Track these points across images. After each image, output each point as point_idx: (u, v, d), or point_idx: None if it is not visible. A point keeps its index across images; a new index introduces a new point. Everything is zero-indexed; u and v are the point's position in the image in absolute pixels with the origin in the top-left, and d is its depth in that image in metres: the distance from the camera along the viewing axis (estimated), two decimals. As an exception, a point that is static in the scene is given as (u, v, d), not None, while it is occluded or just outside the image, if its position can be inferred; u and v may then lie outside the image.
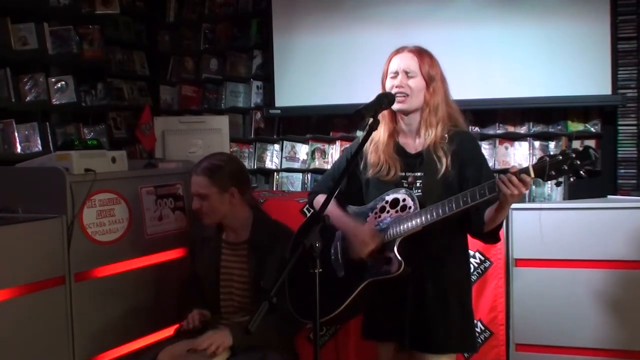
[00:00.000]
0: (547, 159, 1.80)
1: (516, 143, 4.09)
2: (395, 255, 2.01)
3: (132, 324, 2.70)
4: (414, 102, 2.08)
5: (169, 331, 2.69)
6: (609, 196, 3.29)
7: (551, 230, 2.88)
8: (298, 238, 2.20)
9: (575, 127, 3.96)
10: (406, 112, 2.11)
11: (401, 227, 2.02)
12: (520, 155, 4.06)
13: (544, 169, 1.80)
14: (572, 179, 1.81)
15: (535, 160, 3.92)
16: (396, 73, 2.09)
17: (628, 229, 2.81)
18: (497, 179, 1.86)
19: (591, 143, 3.92)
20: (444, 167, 2.04)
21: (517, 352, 2.95)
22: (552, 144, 4.01)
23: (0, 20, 3.71)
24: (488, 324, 2.94)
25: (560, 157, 1.78)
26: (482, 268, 2.94)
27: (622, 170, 3.79)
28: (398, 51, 2.14)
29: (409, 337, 2.11)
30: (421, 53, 2.11)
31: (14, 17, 3.76)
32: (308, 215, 3.12)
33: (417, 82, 2.07)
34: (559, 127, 4.01)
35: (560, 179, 1.79)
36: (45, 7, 3.94)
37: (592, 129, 3.93)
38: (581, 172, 1.77)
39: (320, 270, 1.68)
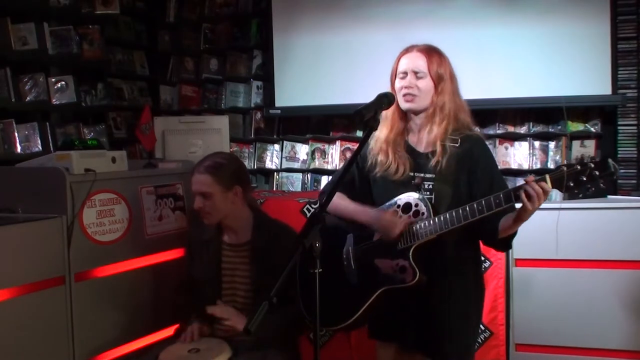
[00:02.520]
0: (565, 168, 1.74)
1: (516, 143, 4.09)
2: (411, 263, 1.99)
3: (132, 324, 2.69)
4: (422, 102, 2.07)
5: (169, 331, 2.69)
6: (609, 196, 3.29)
7: (551, 230, 2.88)
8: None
9: (575, 127, 3.97)
10: (416, 112, 2.10)
11: (415, 235, 2.00)
12: (520, 155, 4.06)
13: (561, 180, 1.74)
14: (589, 191, 1.73)
15: (537, 161, 3.88)
16: (405, 73, 2.07)
17: (628, 229, 2.82)
18: (519, 191, 1.81)
19: (591, 143, 3.93)
20: (438, 163, 2.01)
21: (517, 352, 2.95)
22: (552, 144, 4.01)
23: (0, 20, 3.71)
24: (488, 324, 2.94)
25: (579, 167, 1.72)
26: (482, 268, 2.94)
27: (622, 170, 3.79)
28: (407, 50, 2.11)
29: (413, 339, 2.11)
30: (430, 52, 2.09)
31: (14, 17, 3.75)
32: (308, 215, 3.12)
33: (425, 83, 2.06)
34: (559, 127, 4.02)
35: (579, 192, 1.73)
36: (45, 7, 3.94)
37: (592, 129, 3.93)
38: (601, 183, 1.70)
39: (321, 270, 1.68)
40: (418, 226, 2.00)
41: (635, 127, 3.78)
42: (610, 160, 1.71)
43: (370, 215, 2.10)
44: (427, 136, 2.08)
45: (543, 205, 2.93)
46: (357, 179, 2.23)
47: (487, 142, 4.26)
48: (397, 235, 2.03)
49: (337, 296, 2.11)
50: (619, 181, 3.78)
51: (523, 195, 1.79)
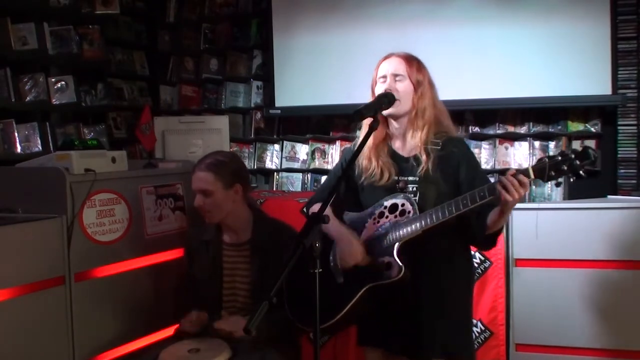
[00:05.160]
0: (547, 159, 1.81)
1: (516, 143, 4.09)
2: (395, 260, 2.00)
3: (132, 324, 2.70)
4: (403, 105, 2.09)
5: (169, 331, 2.68)
6: (609, 196, 3.29)
7: (551, 230, 2.88)
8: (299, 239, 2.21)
9: (575, 127, 3.97)
10: (396, 116, 2.12)
11: (401, 232, 2.01)
12: (520, 155, 4.06)
13: (543, 170, 1.80)
14: (572, 179, 1.81)
15: (535, 161, 3.94)
16: (385, 77, 2.11)
17: (628, 229, 2.81)
18: (497, 183, 1.85)
19: (591, 143, 3.92)
20: (423, 168, 2.05)
21: (517, 352, 2.95)
22: (552, 144, 4.01)
23: (0, 20, 3.71)
24: (488, 324, 2.94)
25: (560, 158, 1.79)
26: (482, 268, 2.94)
27: (622, 170, 3.79)
28: (386, 57, 2.15)
29: (399, 342, 2.11)
30: (409, 59, 2.13)
31: (14, 17, 3.75)
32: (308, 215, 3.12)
33: (405, 86, 2.09)
34: (559, 127, 4.02)
35: (560, 180, 1.80)
36: (45, 7, 3.93)
37: (592, 129, 3.93)
38: (581, 172, 1.77)
39: (320, 270, 1.67)
40: (404, 222, 2.02)
41: (635, 127, 3.77)
42: (590, 150, 1.78)
43: (342, 236, 2.12)
44: (411, 141, 2.11)
45: (543, 205, 2.96)
46: (342, 187, 2.22)
47: (487, 143, 4.31)
48: (349, 266, 2.07)
49: (324, 296, 2.11)
50: (619, 181, 3.79)
51: (499, 187, 1.83)
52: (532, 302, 2.92)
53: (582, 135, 3.94)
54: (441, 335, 2.08)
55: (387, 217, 2.08)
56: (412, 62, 2.12)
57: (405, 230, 2.01)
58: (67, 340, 2.43)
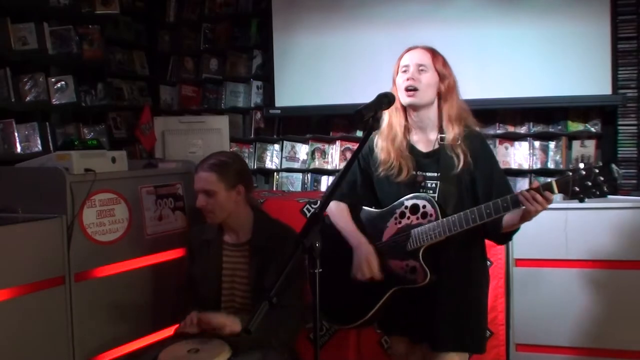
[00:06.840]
0: (570, 174, 1.78)
1: (516, 143, 4.09)
2: (421, 264, 2.01)
3: (132, 324, 2.69)
4: (424, 96, 2.06)
5: (169, 331, 2.69)
6: (609, 196, 3.28)
7: (551, 230, 2.88)
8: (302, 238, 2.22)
9: (575, 127, 3.97)
10: (416, 107, 2.09)
11: (425, 237, 2.01)
12: (520, 155, 4.06)
13: (567, 185, 1.79)
14: (594, 196, 1.77)
15: (537, 161, 3.91)
16: (407, 67, 2.07)
17: (628, 229, 2.82)
18: (520, 195, 1.86)
19: (591, 143, 3.93)
20: (462, 164, 2.03)
21: (517, 352, 2.95)
22: (552, 144, 4.01)
23: (0, 20, 3.71)
24: (488, 324, 2.93)
25: (584, 173, 1.76)
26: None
27: (622, 170, 3.79)
28: (410, 49, 2.12)
29: (420, 333, 2.14)
30: (434, 52, 2.11)
31: (14, 17, 3.75)
32: (308, 215, 3.12)
33: (429, 77, 2.06)
34: (559, 127, 4.02)
35: (585, 196, 1.77)
36: (45, 7, 3.93)
37: (592, 129, 3.93)
38: (605, 188, 1.74)
39: (320, 270, 1.67)
40: (427, 226, 2.01)
41: (635, 127, 3.78)
42: (613, 166, 1.74)
43: (358, 250, 2.12)
44: (442, 135, 2.08)
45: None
46: (359, 182, 2.23)
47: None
48: (363, 278, 2.08)
49: (351, 296, 2.14)
50: (619, 181, 3.78)
51: (526, 202, 1.84)
52: (532, 302, 2.92)
53: (582, 135, 3.94)
54: (457, 333, 2.09)
55: (408, 217, 2.07)
56: (438, 55, 2.10)
57: (429, 236, 2.00)
58: (67, 340, 2.43)
